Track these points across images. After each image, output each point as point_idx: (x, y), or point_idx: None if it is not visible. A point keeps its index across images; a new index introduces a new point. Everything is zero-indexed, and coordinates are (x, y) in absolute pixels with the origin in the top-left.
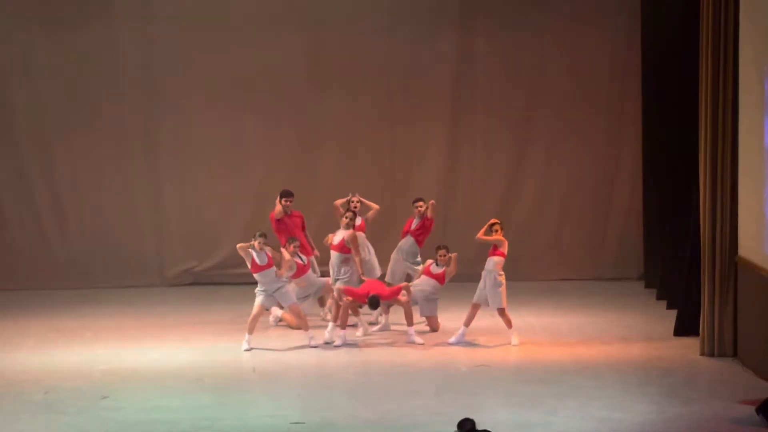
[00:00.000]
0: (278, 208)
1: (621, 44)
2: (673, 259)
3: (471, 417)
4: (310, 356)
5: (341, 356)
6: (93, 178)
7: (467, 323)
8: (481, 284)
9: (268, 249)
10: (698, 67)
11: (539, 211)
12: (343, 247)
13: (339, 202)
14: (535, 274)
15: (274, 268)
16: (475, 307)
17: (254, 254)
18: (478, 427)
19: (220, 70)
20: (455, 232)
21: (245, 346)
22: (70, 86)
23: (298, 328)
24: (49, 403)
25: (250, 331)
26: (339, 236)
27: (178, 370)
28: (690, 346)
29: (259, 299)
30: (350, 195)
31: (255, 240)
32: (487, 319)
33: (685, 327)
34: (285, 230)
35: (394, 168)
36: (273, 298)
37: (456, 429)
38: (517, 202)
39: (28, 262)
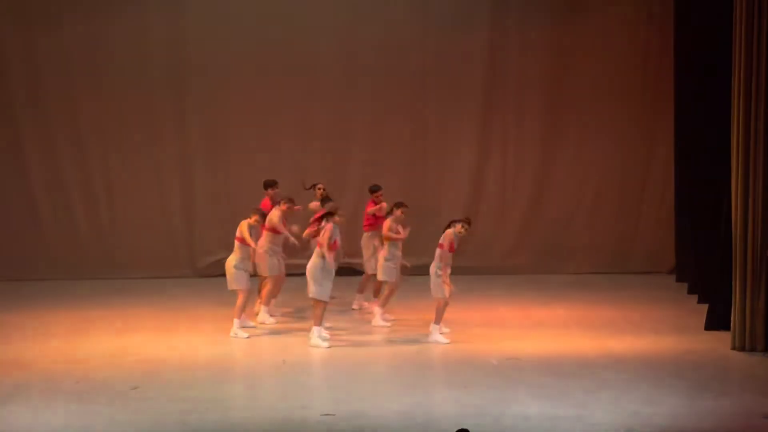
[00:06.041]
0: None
1: (654, 38)
2: (704, 252)
3: (496, 412)
4: (340, 348)
5: (371, 348)
6: (124, 168)
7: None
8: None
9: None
10: (731, 60)
11: (571, 205)
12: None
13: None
14: (567, 268)
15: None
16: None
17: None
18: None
19: (252, 58)
20: (486, 224)
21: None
22: (103, 76)
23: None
24: (80, 392)
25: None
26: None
27: (208, 361)
28: (721, 340)
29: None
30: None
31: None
32: (516, 312)
33: (716, 321)
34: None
35: (426, 160)
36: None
37: None
38: (549, 195)
39: (60, 253)
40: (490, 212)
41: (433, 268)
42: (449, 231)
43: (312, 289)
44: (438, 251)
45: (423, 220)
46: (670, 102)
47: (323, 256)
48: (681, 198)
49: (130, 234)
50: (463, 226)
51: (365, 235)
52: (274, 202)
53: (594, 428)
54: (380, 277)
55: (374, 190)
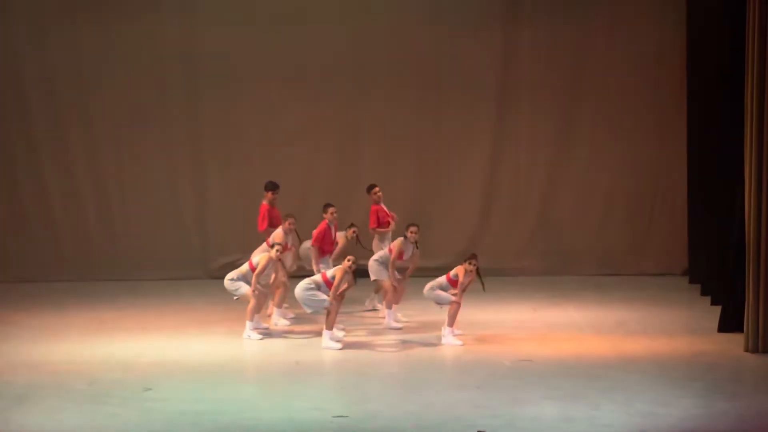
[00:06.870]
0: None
1: (666, 38)
2: (717, 254)
3: (509, 414)
4: (353, 350)
5: (383, 350)
6: (138, 170)
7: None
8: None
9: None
10: (744, 60)
11: (584, 206)
12: None
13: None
14: (580, 269)
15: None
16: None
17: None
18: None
19: (264, 60)
20: (499, 226)
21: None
22: (116, 78)
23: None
24: (92, 393)
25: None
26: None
27: (221, 363)
28: (734, 341)
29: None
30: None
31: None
32: (528, 313)
33: (729, 323)
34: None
35: (439, 161)
36: None
37: None
38: (562, 196)
39: (72, 254)
40: (503, 214)
41: (426, 289)
42: (462, 270)
43: (311, 309)
44: (444, 281)
45: (436, 222)
46: (683, 102)
47: (318, 287)
48: (694, 199)
49: (143, 236)
50: (470, 264)
51: (376, 236)
52: (272, 205)
53: (607, 429)
54: (372, 276)
55: (371, 188)
